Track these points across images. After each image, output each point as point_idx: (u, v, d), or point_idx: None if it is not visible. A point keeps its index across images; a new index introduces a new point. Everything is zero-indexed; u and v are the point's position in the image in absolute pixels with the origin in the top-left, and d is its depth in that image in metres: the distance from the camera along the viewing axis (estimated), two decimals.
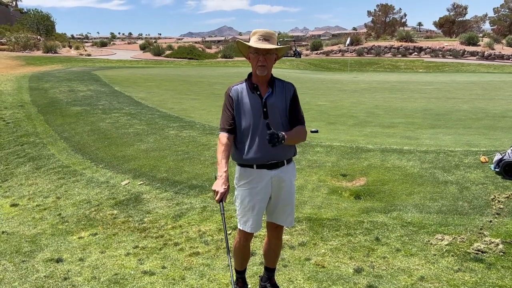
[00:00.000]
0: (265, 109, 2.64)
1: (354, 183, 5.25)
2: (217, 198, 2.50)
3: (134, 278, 3.39)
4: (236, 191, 2.80)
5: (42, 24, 50.88)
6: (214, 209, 4.65)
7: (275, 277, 3.15)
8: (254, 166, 2.66)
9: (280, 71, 30.06)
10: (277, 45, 2.63)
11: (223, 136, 2.65)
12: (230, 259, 2.69)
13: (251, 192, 2.70)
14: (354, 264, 3.45)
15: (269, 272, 3.08)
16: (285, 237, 3.94)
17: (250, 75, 2.73)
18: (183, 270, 3.48)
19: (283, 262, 3.52)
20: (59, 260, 3.74)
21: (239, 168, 2.73)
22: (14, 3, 63.24)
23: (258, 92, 2.66)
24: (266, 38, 2.59)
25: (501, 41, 44.14)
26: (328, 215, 4.35)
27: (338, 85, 20.20)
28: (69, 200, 5.23)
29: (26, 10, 59.34)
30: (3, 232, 4.47)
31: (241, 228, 2.79)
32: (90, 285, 3.32)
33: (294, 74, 26.83)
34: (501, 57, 38.42)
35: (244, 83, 2.71)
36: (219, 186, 2.51)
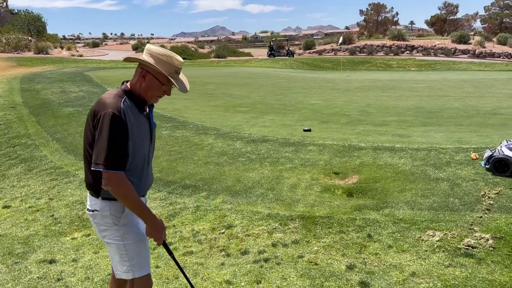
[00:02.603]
0: (151, 132, 2.24)
1: (347, 181, 5.29)
2: (159, 241, 2.23)
3: None
4: (122, 231, 2.22)
5: (33, 25, 50.49)
6: (208, 208, 4.67)
7: (269, 274, 3.17)
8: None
9: (273, 70, 30.09)
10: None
11: (125, 177, 2.09)
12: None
13: (139, 222, 2.28)
14: (347, 261, 3.48)
15: None
16: (278, 235, 3.98)
17: (128, 86, 2.19)
18: (176, 269, 3.48)
19: (276, 260, 3.54)
20: (52, 261, 3.74)
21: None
22: (4, 4, 62.66)
23: (145, 113, 2.20)
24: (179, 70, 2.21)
25: (492, 39, 44.59)
26: (321, 212, 4.38)
27: (330, 84, 20.27)
28: (62, 201, 5.22)
29: (16, 11, 58.81)
30: None
31: (144, 274, 2.31)
32: (83, 286, 3.33)
33: (287, 74, 26.88)
34: (492, 55, 38.79)
35: (127, 100, 2.12)
36: (156, 228, 2.19)
